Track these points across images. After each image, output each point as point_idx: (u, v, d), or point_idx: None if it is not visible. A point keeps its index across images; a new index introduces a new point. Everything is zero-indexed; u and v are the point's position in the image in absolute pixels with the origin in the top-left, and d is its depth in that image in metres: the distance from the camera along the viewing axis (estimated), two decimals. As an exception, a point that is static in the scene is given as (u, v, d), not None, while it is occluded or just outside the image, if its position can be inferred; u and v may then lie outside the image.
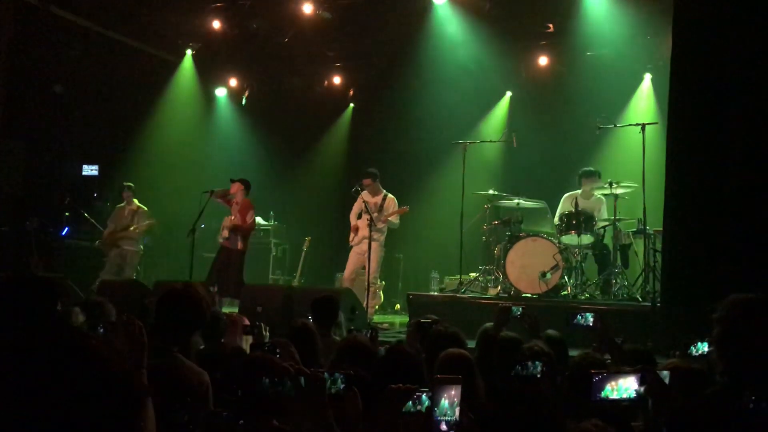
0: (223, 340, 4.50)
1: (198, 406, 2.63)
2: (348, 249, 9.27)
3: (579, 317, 4.05)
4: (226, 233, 9.08)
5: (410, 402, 2.01)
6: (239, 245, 9.08)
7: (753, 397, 2.11)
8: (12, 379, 1.19)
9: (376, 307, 9.05)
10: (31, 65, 10.90)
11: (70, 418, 1.16)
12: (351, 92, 12.49)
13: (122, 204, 10.16)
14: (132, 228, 9.90)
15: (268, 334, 4.41)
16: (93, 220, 9.84)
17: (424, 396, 2.02)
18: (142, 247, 10.16)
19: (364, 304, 8.64)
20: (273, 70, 12.29)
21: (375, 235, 8.80)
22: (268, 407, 2.36)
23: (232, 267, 8.99)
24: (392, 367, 2.81)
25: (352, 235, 9.13)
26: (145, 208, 10.12)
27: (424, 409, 2.00)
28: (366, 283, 8.53)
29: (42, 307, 2.62)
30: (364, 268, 8.86)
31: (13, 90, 10.33)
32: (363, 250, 8.76)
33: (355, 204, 9.15)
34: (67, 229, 10.68)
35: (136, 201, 10.10)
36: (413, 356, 3.00)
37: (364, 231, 8.76)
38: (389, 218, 8.94)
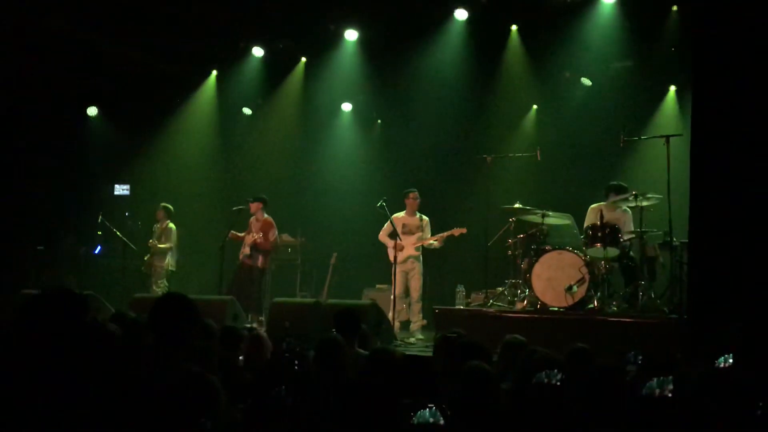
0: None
1: (217, 411, 2.71)
2: (379, 266, 9.34)
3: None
4: (247, 250, 9.26)
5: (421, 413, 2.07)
6: (260, 263, 9.27)
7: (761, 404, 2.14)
8: (50, 378, 1.28)
9: (420, 326, 9.08)
10: (65, 88, 11.22)
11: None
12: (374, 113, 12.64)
13: (157, 224, 10.42)
14: (157, 244, 10.16)
15: (299, 348, 4.51)
16: (125, 239, 10.05)
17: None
18: (171, 262, 10.34)
19: (399, 320, 8.76)
20: (299, 89, 12.46)
21: (419, 255, 9.12)
22: (283, 414, 2.43)
23: (253, 284, 9.18)
24: (376, 370, 2.87)
25: (393, 252, 9.06)
26: (174, 228, 10.33)
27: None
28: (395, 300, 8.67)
29: (72, 318, 2.74)
30: (410, 287, 9.05)
31: (48, 111, 10.62)
32: (408, 269, 8.94)
33: (388, 224, 9.14)
34: (99, 247, 10.92)
35: (169, 222, 10.33)
36: (397, 359, 3.06)
37: (409, 250, 8.92)
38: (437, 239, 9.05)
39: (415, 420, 2.07)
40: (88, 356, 2.61)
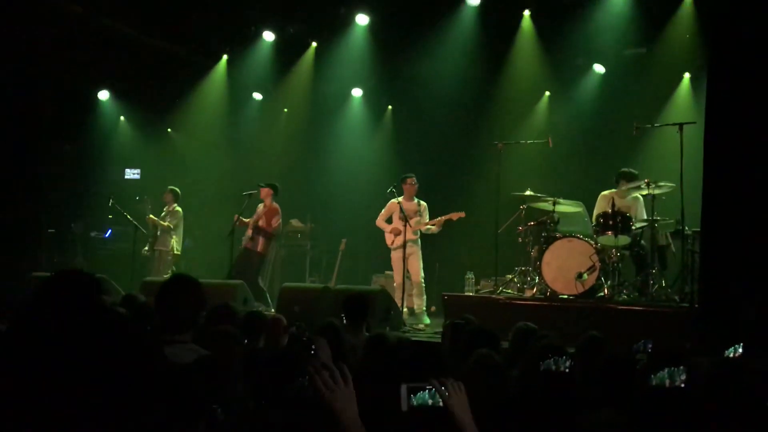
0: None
1: (229, 396, 2.71)
2: (389, 252, 9.32)
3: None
4: (249, 233, 9.34)
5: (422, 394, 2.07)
6: (259, 247, 9.29)
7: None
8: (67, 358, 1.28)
9: (424, 306, 9.09)
10: (76, 73, 11.23)
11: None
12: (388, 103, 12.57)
13: (166, 207, 10.44)
14: (149, 217, 10.19)
15: (307, 333, 4.51)
16: (136, 223, 10.08)
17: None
18: (176, 246, 10.36)
19: (407, 307, 8.75)
20: (309, 74, 12.43)
21: (416, 239, 9.04)
22: (300, 401, 2.43)
23: (249, 269, 9.19)
24: (375, 355, 2.87)
25: (391, 237, 9.14)
26: (180, 211, 10.34)
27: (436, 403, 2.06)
28: (404, 286, 8.66)
29: (86, 299, 2.75)
30: (409, 271, 8.97)
31: (60, 95, 10.64)
32: (406, 254, 8.84)
33: (386, 209, 9.22)
34: (110, 231, 10.96)
35: (176, 205, 10.35)
36: (393, 344, 3.06)
37: (407, 234, 8.80)
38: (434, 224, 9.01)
39: (414, 402, 2.07)
40: (103, 337, 2.61)
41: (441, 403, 2.09)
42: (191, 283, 3.23)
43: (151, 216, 10.26)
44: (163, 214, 10.43)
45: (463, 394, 2.16)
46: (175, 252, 10.37)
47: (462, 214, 8.96)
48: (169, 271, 10.11)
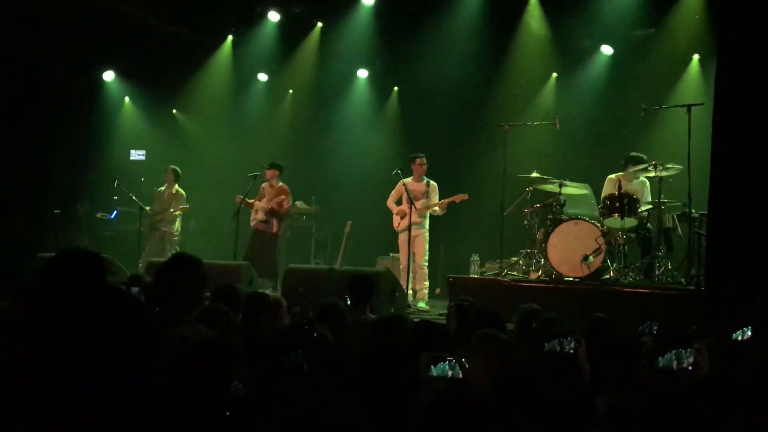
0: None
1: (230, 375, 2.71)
2: (394, 234, 9.28)
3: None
4: (261, 215, 9.34)
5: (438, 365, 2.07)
6: (274, 229, 9.38)
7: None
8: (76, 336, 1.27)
9: (426, 291, 9.03)
10: (81, 53, 11.19)
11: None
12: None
13: (162, 188, 10.36)
14: (171, 210, 10.14)
15: (311, 313, 4.52)
16: (141, 203, 10.08)
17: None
18: (178, 226, 10.37)
19: (412, 289, 8.74)
20: (315, 55, 12.36)
21: (422, 221, 8.89)
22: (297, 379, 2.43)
23: (268, 250, 9.31)
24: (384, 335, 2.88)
25: (397, 219, 9.10)
26: (183, 193, 10.32)
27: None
28: (409, 268, 8.63)
29: (92, 278, 2.74)
30: (414, 253, 8.89)
31: (65, 76, 10.61)
32: (412, 236, 8.72)
33: (395, 190, 9.15)
34: (115, 212, 10.97)
35: (177, 185, 10.31)
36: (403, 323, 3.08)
37: (413, 216, 8.70)
38: (438, 205, 8.95)
39: (433, 372, 2.08)
40: (111, 317, 2.61)
41: (460, 375, 2.10)
42: (193, 262, 3.22)
43: (172, 211, 10.14)
44: (161, 188, 10.33)
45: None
46: (178, 233, 10.38)
47: (465, 196, 8.90)
48: (174, 251, 10.12)
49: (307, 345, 2.50)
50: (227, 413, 2.27)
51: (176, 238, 10.32)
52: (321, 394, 2.15)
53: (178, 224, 10.34)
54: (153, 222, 10.20)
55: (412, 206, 8.64)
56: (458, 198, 8.90)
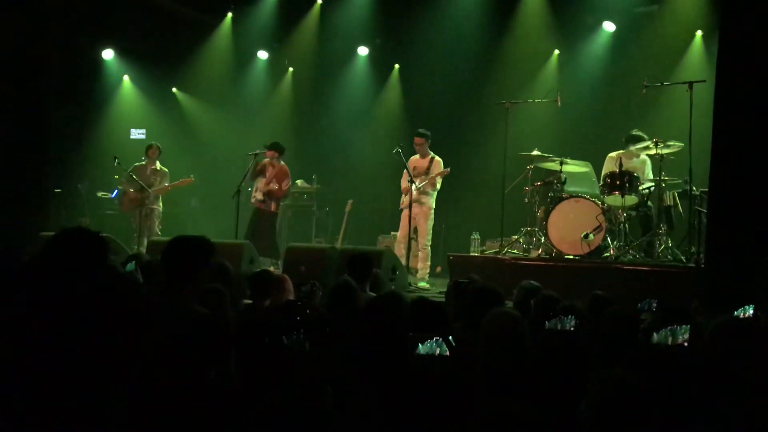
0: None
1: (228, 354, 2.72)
2: (395, 213, 9.27)
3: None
4: (260, 195, 9.39)
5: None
6: (272, 207, 9.47)
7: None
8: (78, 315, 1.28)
9: (427, 270, 9.01)
10: (81, 31, 11.13)
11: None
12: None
13: (142, 162, 10.24)
14: (159, 186, 10.07)
15: (320, 292, 4.53)
16: (141, 182, 10.06)
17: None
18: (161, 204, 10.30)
19: (413, 266, 8.74)
20: (315, 32, 12.27)
21: (423, 198, 8.80)
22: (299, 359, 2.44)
23: (269, 228, 9.43)
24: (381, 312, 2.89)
25: (403, 197, 9.06)
26: (167, 170, 10.25)
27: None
28: (409, 246, 8.61)
29: (95, 257, 2.75)
30: (415, 231, 8.85)
31: (64, 54, 10.56)
32: (414, 213, 8.70)
33: (406, 170, 9.04)
34: (116, 191, 10.96)
35: (158, 162, 10.23)
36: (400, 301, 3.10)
37: (414, 193, 8.67)
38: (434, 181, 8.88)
39: (422, 350, 2.10)
40: (111, 297, 2.63)
41: (448, 353, 2.12)
42: (199, 241, 3.22)
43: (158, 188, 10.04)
44: (141, 162, 10.17)
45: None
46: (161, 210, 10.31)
47: (446, 171, 8.81)
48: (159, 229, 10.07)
49: (306, 322, 2.51)
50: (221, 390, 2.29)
51: (160, 217, 10.25)
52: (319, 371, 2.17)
53: (160, 201, 10.29)
54: (138, 198, 9.99)
55: (412, 184, 8.63)
56: (441, 173, 8.80)
